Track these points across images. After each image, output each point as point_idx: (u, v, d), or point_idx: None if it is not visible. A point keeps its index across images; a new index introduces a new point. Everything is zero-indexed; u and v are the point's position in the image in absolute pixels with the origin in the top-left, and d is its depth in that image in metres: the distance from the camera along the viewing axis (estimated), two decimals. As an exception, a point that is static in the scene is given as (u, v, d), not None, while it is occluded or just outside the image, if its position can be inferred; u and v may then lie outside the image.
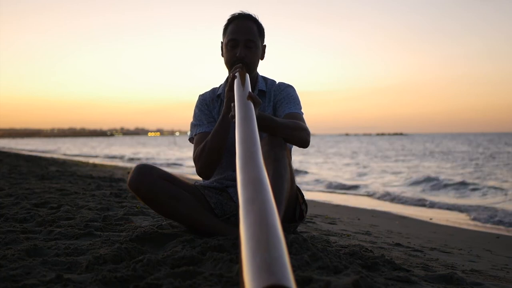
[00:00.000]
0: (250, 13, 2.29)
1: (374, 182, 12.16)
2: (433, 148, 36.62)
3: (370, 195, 9.59)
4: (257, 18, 2.30)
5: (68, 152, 31.56)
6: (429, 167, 17.42)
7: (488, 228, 5.62)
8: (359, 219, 4.80)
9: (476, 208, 7.32)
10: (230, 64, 2.24)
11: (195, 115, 2.39)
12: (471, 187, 10.53)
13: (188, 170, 15.37)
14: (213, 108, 2.40)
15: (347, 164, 19.73)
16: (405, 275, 1.63)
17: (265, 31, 2.32)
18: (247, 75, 2.06)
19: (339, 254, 1.79)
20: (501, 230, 5.39)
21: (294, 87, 2.37)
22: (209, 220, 2.15)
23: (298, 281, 1.33)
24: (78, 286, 1.37)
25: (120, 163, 17.99)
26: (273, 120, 1.99)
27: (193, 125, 2.37)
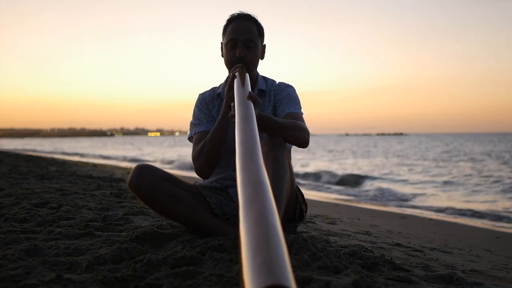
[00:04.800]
0: (250, 13, 2.29)
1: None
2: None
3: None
4: (256, 18, 2.30)
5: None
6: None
7: (488, 228, 5.62)
8: (359, 219, 4.80)
9: None
10: (230, 64, 2.24)
11: (195, 114, 2.39)
12: None
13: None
14: (212, 107, 2.40)
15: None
16: (405, 275, 1.63)
17: (266, 31, 2.32)
18: (247, 75, 2.06)
19: (339, 254, 1.79)
20: (501, 229, 5.39)
21: (294, 87, 2.37)
22: (209, 220, 2.15)
23: (298, 281, 1.32)
24: (78, 286, 1.37)
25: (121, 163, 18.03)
26: (272, 120, 1.99)
27: (192, 124, 2.37)
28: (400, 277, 1.61)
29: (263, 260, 0.70)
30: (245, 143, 1.24)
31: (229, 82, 2.08)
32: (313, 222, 3.63)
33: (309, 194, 8.50)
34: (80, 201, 3.53)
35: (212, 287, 1.30)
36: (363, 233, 3.42)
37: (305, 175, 14.19)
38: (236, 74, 2.03)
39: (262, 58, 2.33)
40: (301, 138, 2.08)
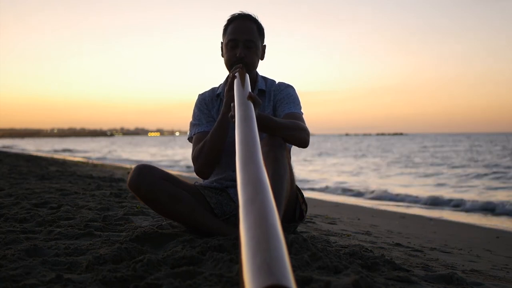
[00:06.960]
0: (250, 13, 2.29)
1: None
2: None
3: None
4: (257, 18, 2.30)
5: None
6: None
7: (488, 227, 5.62)
8: (359, 219, 4.80)
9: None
10: (230, 64, 2.24)
11: (194, 115, 2.39)
12: None
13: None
14: (212, 108, 2.40)
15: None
16: (405, 275, 1.63)
17: (266, 31, 2.32)
18: (247, 75, 2.06)
19: (339, 254, 1.79)
20: (501, 229, 5.39)
21: (294, 87, 2.37)
22: (209, 220, 2.15)
23: (298, 281, 1.32)
24: (78, 286, 1.37)
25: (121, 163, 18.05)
26: (272, 120, 1.99)
27: (192, 125, 2.37)
28: (400, 277, 1.61)
29: (263, 260, 0.70)
30: (245, 143, 1.24)
31: (229, 83, 2.08)
32: (313, 222, 3.63)
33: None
34: (80, 201, 3.53)
35: (212, 287, 1.30)
36: (363, 233, 3.42)
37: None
38: (236, 74, 2.03)
39: (262, 59, 2.33)
40: (301, 138, 2.08)
